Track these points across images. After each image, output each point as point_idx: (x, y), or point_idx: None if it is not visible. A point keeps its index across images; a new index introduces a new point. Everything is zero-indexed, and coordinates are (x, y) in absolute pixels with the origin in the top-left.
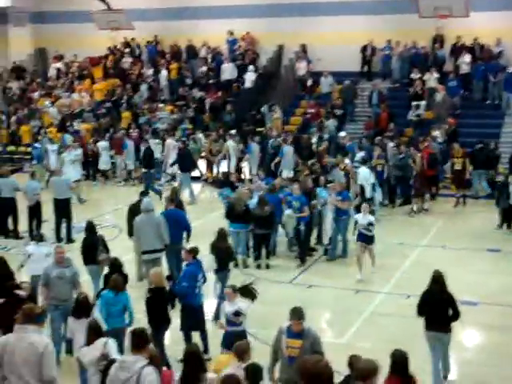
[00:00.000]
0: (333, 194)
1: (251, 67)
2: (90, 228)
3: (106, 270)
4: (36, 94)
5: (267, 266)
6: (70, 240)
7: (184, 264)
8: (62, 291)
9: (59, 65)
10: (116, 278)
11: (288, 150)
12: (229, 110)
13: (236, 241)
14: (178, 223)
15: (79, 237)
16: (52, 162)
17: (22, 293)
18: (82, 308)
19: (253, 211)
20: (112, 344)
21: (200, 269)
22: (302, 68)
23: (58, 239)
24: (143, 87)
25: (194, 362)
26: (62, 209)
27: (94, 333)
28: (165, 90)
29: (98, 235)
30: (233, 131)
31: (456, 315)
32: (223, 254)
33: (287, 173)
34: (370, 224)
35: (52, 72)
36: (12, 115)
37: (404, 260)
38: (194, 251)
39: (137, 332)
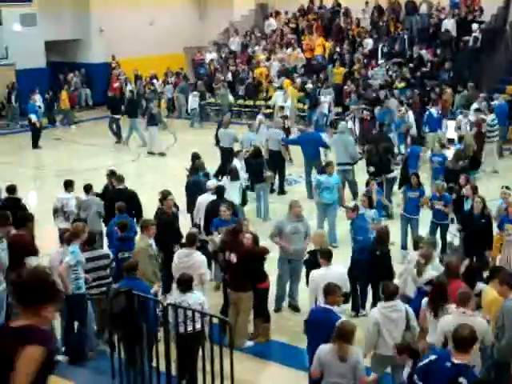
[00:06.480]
0: None
1: (475, 25)
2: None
3: None
4: (256, 49)
5: None
6: (282, 192)
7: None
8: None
9: (273, 21)
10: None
11: None
12: (447, 67)
13: None
14: None
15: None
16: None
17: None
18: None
19: None
20: None
21: None
22: None
23: (271, 191)
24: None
25: None
26: (276, 161)
27: None
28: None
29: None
30: None
31: None
32: None
33: None
34: None
35: (268, 28)
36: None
37: None
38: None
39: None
